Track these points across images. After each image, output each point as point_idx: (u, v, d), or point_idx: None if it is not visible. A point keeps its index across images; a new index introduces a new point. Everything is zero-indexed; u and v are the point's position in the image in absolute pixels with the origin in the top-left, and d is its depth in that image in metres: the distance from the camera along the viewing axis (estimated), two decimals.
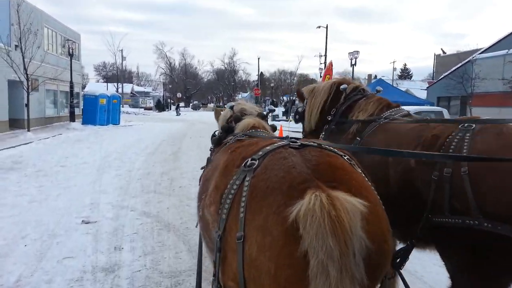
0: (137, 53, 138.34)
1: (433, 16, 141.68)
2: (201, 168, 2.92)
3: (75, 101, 29.21)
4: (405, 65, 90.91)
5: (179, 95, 72.99)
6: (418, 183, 2.34)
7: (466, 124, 2.31)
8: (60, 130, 21.83)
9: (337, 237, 1.33)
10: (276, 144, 1.87)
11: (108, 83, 65.17)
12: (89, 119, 24.58)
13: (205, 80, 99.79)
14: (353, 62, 24.07)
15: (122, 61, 66.31)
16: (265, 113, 3.16)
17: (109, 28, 68.54)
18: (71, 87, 24.32)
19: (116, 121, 26.06)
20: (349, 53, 24.04)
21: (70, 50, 24.01)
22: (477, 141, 2.18)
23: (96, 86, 59.01)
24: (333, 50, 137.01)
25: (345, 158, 1.84)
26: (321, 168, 1.63)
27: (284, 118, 37.12)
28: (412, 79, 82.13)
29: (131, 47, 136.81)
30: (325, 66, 36.10)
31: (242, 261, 1.55)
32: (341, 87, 3.46)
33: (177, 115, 49.22)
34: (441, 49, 63.71)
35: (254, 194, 1.61)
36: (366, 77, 64.46)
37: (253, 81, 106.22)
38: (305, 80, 73.66)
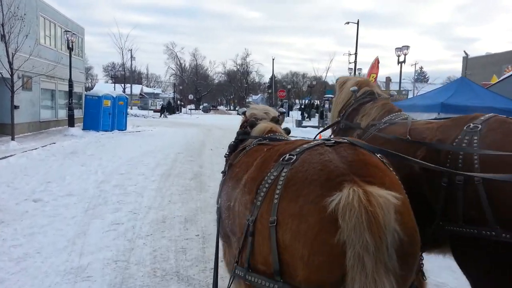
0: (146, 55, 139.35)
1: (442, 20, 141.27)
2: (222, 172, 2.75)
3: (76, 103, 25.94)
4: (421, 68, 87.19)
5: (190, 96, 69.68)
6: (425, 189, 2.28)
7: (471, 125, 2.20)
8: (55, 137, 18.46)
9: (373, 232, 1.41)
10: (312, 143, 1.92)
11: (117, 84, 62.07)
12: (90, 123, 21.20)
13: (216, 81, 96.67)
14: (401, 59, 20.45)
15: (131, 61, 63.32)
16: (278, 115, 3.17)
17: (119, 30, 66.45)
18: (70, 86, 20.96)
19: (122, 126, 22.66)
20: (396, 48, 20.45)
21: (70, 43, 20.61)
22: (487, 145, 2.06)
23: (103, 87, 55.86)
24: (340, 54, 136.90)
25: (378, 156, 1.89)
26: (356, 164, 1.67)
27: (311, 123, 33.65)
28: (428, 82, 78.73)
29: (140, 48, 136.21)
30: (355, 65, 32.53)
31: (277, 246, 1.60)
32: (351, 88, 3.48)
33: (161, 116, 47.32)
34: (464, 51, 59.81)
35: (290, 184, 1.67)
36: (385, 80, 61.50)
37: (264, 83, 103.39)
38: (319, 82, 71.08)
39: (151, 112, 56.94)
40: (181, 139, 19.12)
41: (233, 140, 2.99)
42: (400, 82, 20.97)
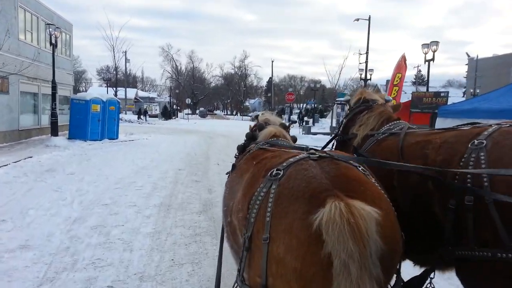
0: (141, 58, 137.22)
1: (435, 24, 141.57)
2: (226, 174, 2.87)
3: (63, 108, 23.37)
4: (419, 71, 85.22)
5: (188, 100, 67.05)
6: (431, 211, 2.21)
7: (476, 142, 2.10)
8: (35, 149, 15.91)
9: (356, 240, 1.50)
10: (298, 157, 1.99)
11: (111, 88, 59.38)
12: (77, 132, 18.63)
13: (213, 85, 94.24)
14: (428, 57, 18.05)
15: (125, 64, 60.69)
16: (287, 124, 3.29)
17: (111, 27, 63.43)
18: (53, 88, 18.37)
19: (113, 135, 20.09)
20: (423, 44, 18.06)
21: (53, 39, 18.04)
22: (494, 161, 1.97)
23: (96, 91, 53.14)
24: (336, 58, 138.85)
25: (360, 169, 1.97)
26: (339, 179, 1.78)
27: (322, 130, 31.41)
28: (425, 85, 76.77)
29: (135, 51, 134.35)
30: (366, 65, 30.20)
31: (266, 259, 1.72)
32: (343, 98, 3.75)
33: (139, 119, 45.72)
34: (466, 53, 57.94)
35: (279, 201, 1.77)
36: (385, 83, 59.61)
37: (261, 87, 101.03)
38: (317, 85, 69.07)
39: (146, 117, 54.44)
40: (180, 150, 16.61)
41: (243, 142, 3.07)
42: (428, 85, 18.66)
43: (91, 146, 17.05)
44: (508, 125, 2.17)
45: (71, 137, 18.70)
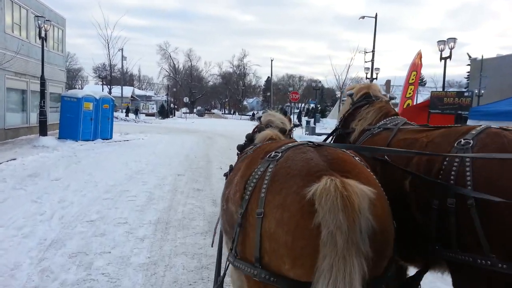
0: (139, 56, 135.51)
1: (433, 26, 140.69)
2: (224, 175, 2.87)
3: (55, 105, 22.07)
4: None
5: (186, 99, 65.69)
6: (415, 210, 2.19)
7: (462, 141, 2.07)
8: (21, 149, 14.64)
9: (347, 214, 1.51)
10: (297, 143, 2.10)
11: (107, 85, 57.94)
12: (68, 131, 17.35)
13: (211, 83, 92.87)
14: (444, 55, 16.83)
15: (122, 62, 59.38)
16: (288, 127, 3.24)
17: (108, 29, 61.19)
18: (42, 84, 17.03)
19: (106, 134, 18.81)
20: (438, 41, 16.88)
21: (42, 32, 16.72)
22: (479, 164, 1.94)
23: (92, 89, 51.80)
24: (333, 58, 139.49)
25: (356, 158, 2.02)
26: (335, 161, 1.82)
27: (327, 131, 30.16)
28: (425, 86, 75.96)
29: (132, 50, 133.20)
30: (372, 64, 29.05)
31: (260, 235, 1.72)
32: (347, 92, 3.46)
33: (126, 116, 44.78)
34: (468, 53, 56.84)
35: (275, 178, 1.79)
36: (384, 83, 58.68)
37: (259, 86, 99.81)
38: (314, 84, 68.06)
39: (142, 116, 53.20)
40: (179, 152, 15.37)
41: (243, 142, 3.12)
42: (444, 85, 17.53)
43: (82, 147, 15.80)
44: (497, 127, 2.14)
45: (62, 137, 17.44)
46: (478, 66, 50.37)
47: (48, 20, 17.30)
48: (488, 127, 2.15)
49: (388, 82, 63.68)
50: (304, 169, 1.74)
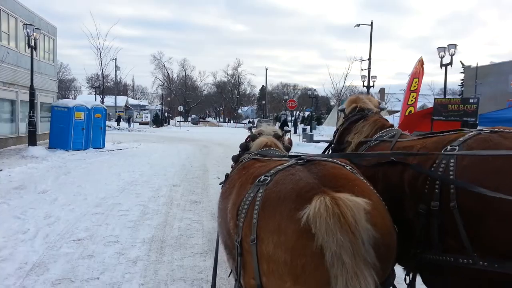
0: (132, 67, 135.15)
1: (422, 34, 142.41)
2: (220, 184, 2.86)
3: (46, 116, 21.44)
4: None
5: (180, 108, 65.14)
6: (404, 215, 2.21)
7: (449, 148, 2.11)
8: (9, 160, 14.02)
9: (345, 230, 1.50)
10: (285, 164, 2.03)
11: (100, 95, 57.25)
12: (58, 141, 16.73)
13: (205, 92, 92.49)
14: (444, 61, 16.45)
15: (115, 71, 58.78)
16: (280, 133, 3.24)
17: (103, 41, 59.43)
18: (31, 94, 16.44)
19: (98, 144, 18.18)
20: (438, 48, 16.52)
21: (32, 41, 16.15)
22: (463, 168, 1.97)
23: (84, 99, 51.11)
24: (325, 67, 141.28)
25: (347, 168, 2.01)
26: (326, 177, 1.80)
27: (325, 138, 29.76)
28: (419, 93, 76.04)
29: (125, 61, 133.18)
30: (369, 72, 28.76)
31: (257, 259, 1.73)
32: (339, 108, 3.65)
33: (118, 125, 44.65)
34: (461, 61, 57.02)
35: (266, 204, 1.79)
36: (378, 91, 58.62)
37: (254, 94, 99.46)
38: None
39: (136, 125, 52.63)
40: (174, 161, 14.80)
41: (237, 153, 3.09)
42: (445, 92, 17.15)
43: (73, 157, 15.18)
44: (489, 131, 2.12)
45: (52, 146, 16.83)
46: (471, 73, 50.39)
47: (37, 29, 16.77)
48: (479, 132, 2.15)
49: (382, 90, 63.63)
50: (294, 192, 1.73)
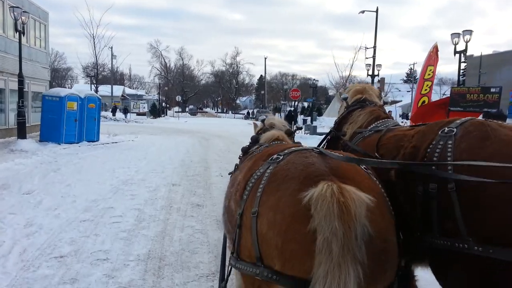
0: (129, 57, 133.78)
1: (421, 24, 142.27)
2: (229, 174, 2.85)
3: (37, 106, 20.45)
4: (411, 69, 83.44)
5: (178, 98, 64.00)
6: (401, 198, 2.19)
7: (446, 129, 2.10)
8: None
9: (343, 220, 1.49)
10: (301, 147, 2.13)
11: (95, 84, 56.01)
12: (49, 133, 15.79)
13: (203, 82, 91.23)
14: (458, 48, 15.52)
15: (111, 60, 57.43)
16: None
17: (97, 26, 56.88)
18: (20, 83, 15.45)
19: (92, 136, 17.24)
20: (452, 34, 15.58)
21: (19, 25, 15.09)
22: (462, 150, 1.97)
23: (79, 88, 49.94)
24: (324, 56, 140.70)
25: (362, 166, 1.98)
26: (337, 168, 1.80)
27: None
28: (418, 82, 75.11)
29: (122, 50, 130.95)
30: (374, 60, 27.78)
31: (257, 234, 1.73)
32: (342, 96, 3.56)
33: (113, 116, 43.95)
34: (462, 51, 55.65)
35: (272, 179, 1.80)
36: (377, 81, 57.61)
37: (252, 84, 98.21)
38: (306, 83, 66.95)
39: (133, 116, 51.54)
40: (173, 156, 13.90)
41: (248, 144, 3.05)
42: (458, 80, 16.31)
43: (65, 151, 14.25)
44: (483, 119, 2.14)
45: (43, 139, 15.89)
46: (474, 63, 49.42)
47: (25, 12, 15.67)
48: (473, 117, 2.17)
49: (382, 80, 62.60)
50: (303, 173, 1.73)
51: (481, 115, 11.78)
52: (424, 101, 14.15)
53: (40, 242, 5.13)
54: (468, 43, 15.32)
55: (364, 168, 1.97)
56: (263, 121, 3.34)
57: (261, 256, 1.71)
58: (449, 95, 13.35)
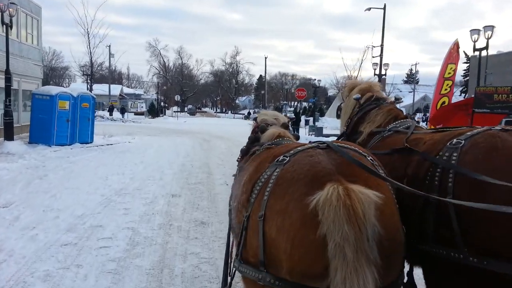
0: (125, 55, 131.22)
1: (418, 25, 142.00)
2: (233, 176, 2.87)
3: (27, 104, 19.34)
4: (411, 70, 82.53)
5: (177, 97, 62.87)
6: (404, 204, 2.07)
7: (454, 141, 2.04)
8: None
9: (352, 223, 1.46)
10: (306, 145, 2.01)
11: (96, 84, 54.79)
12: (40, 134, 14.69)
13: (202, 81, 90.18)
14: (480, 45, 14.55)
15: (109, 59, 56.22)
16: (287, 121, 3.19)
17: (91, 20, 54.92)
18: (7, 80, 14.34)
19: (86, 138, 16.13)
20: (471, 30, 14.57)
21: (6, 17, 13.98)
22: (466, 163, 1.91)
23: (79, 87, 48.69)
24: (322, 57, 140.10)
25: (369, 158, 1.94)
26: (344, 165, 1.74)
27: (334, 132, 27.92)
28: (418, 83, 74.44)
29: (119, 49, 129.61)
30: (381, 59, 26.78)
31: (263, 238, 1.69)
32: (354, 97, 3.38)
33: (110, 115, 43.20)
34: (464, 51, 55.14)
35: (279, 182, 1.76)
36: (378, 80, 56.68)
37: (251, 84, 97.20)
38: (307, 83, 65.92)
39: (131, 115, 50.43)
40: (172, 159, 12.83)
41: (245, 145, 2.98)
42: (478, 79, 15.36)
43: (55, 154, 13.17)
44: (500, 129, 2.03)
45: (32, 141, 14.81)
46: (477, 63, 48.49)
47: (13, 3, 14.53)
48: (489, 128, 2.06)
49: (383, 80, 61.63)
50: (309, 174, 1.69)
51: (504, 119, 10.79)
52: (444, 102, 13.13)
53: (6, 277, 4.06)
54: (489, 40, 14.25)
55: (370, 159, 1.94)
56: (255, 119, 3.31)
57: (265, 261, 1.70)
58: (469, 97, 12.32)
